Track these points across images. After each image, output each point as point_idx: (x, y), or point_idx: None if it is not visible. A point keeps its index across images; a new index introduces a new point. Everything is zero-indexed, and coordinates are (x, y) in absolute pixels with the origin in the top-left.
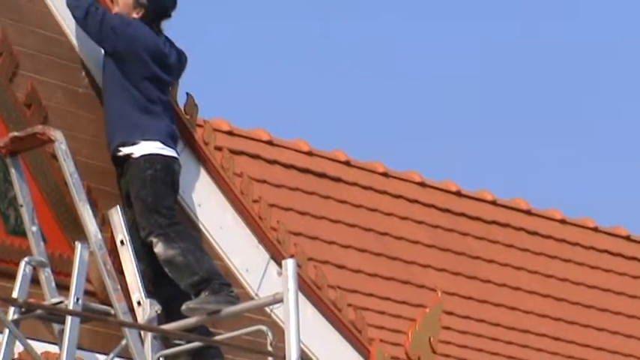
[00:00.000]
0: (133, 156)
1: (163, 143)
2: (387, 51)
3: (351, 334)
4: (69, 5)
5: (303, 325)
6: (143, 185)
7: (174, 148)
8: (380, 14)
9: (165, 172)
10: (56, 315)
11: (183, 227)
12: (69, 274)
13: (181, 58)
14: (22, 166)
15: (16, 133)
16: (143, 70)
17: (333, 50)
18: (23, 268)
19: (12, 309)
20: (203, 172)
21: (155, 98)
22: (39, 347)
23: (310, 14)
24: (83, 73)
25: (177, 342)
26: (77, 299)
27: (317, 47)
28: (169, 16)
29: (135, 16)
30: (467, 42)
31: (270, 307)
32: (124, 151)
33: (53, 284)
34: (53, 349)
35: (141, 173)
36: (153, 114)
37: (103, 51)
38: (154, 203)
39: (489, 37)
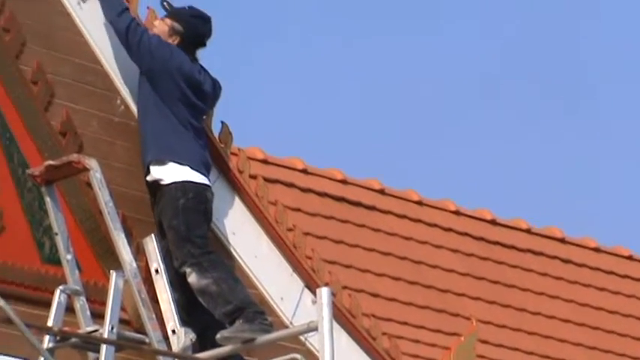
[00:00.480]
0: (164, 182)
1: (194, 169)
2: (420, 80)
3: None
4: (111, 20)
5: (337, 353)
6: (175, 214)
7: (206, 175)
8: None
9: (197, 201)
10: (91, 343)
11: (217, 256)
12: (104, 303)
13: (216, 87)
14: (57, 194)
15: (51, 162)
16: (177, 93)
17: (367, 79)
18: (58, 297)
19: (47, 337)
20: (237, 201)
21: (187, 123)
22: None
23: (343, 42)
24: (118, 102)
25: None
26: (112, 327)
27: (351, 76)
28: (204, 44)
29: (171, 43)
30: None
31: (305, 335)
32: (154, 173)
33: (88, 313)
34: None
35: (173, 202)
36: (185, 138)
37: (138, 72)
38: (187, 232)
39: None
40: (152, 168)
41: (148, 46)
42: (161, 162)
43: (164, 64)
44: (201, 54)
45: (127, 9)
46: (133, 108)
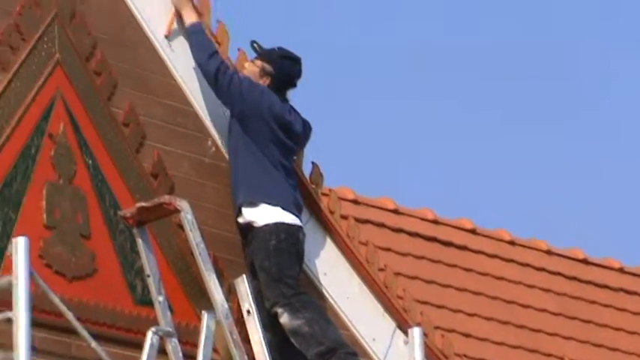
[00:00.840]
0: (256, 225)
1: (286, 210)
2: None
3: None
4: (200, 63)
5: None
6: (267, 256)
7: (297, 215)
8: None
9: (289, 242)
10: None
11: (308, 296)
12: (196, 344)
13: (306, 128)
14: (148, 236)
15: (143, 204)
16: (268, 134)
17: (453, 115)
18: (150, 338)
19: None
20: (329, 241)
21: (278, 164)
22: None
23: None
24: (209, 143)
25: None
26: None
27: (436, 123)
28: (295, 85)
29: (261, 84)
30: None
31: None
32: (246, 215)
33: (180, 354)
34: None
35: (265, 243)
36: (276, 178)
37: (229, 115)
38: (278, 273)
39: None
40: (244, 210)
41: (238, 88)
42: (253, 204)
43: (255, 106)
44: (292, 93)
45: (217, 52)
46: (224, 149)
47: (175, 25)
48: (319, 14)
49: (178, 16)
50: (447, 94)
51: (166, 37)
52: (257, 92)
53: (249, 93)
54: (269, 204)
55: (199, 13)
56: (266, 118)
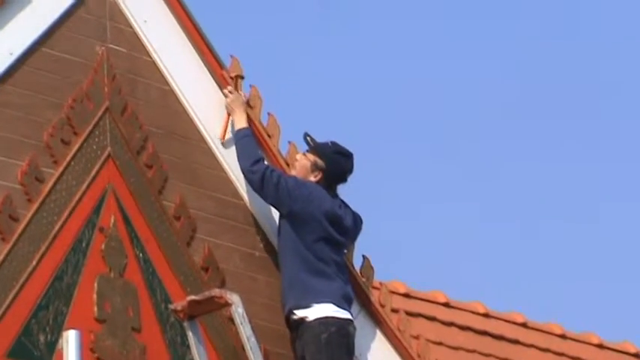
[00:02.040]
0: (307, 320)
1: (337, 305)
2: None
3: None
4: (244, 171)
5: None
6: (318, 349)
7: (348, 309)
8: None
9: (340, 335)
10: None
11: None
12: None
13: (357, 221)
14: (199, 329)
15: (193, 297)
16: (318, 231)
17: (502, 209)
18: None
19: None
20: (380, 335)
21: (329, 259)
22: None
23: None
24: (260, 236)
25: None
26: None
27: (486, 209)
28: (346, 180)
29: (312, 179)
30: None
31: None
32: (298, 314)
33: None
34: None
35: (315, 337)
36: (326, 276)
37: (278, 213)
38: None
39: None
40: (295, 311)
41: (285, 190)
42: (304, 306)
43: (304, 205)
44: (344, 187)
45: (262, 158)
46: (274, 242)
47: (230, 130)
48: (371, 111)
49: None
50: (490, 192)
51: (222, 142)
52: (306, 192)
53: (297, 193)
54: (320, 303)
55: (251, 107)
56: (316, 216)
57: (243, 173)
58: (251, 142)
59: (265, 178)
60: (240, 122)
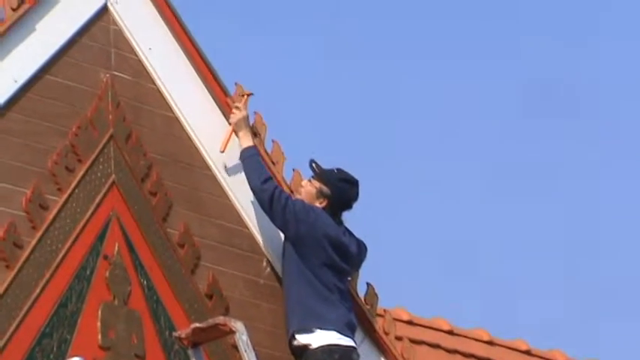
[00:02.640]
0: (311, 347)
1: (340, 333)
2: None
3: None
4: (255, 189)
5: None
6: None
7: (352, 337)
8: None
9: None
10: None
11: None
12: None
13: (361, 249)
14: (203, 357)
15: (197, 325)
16: (322, 257)
17: (510, 234)
18: None
19: None
20: None
21: (333, 286)
22: None
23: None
24: (264, 264)
25: None
26: None
27: (490, 235)
28: (351, 207)
29: (317, 205)
30: None
31: None
32: (301, 340)
33: None
34: None
35: None
36: (330, 302)
37: (282, 238)
38: None
39: None
40: (297, 336)
41: (292, 212)
42: (307, 330)
43: (309, 229)
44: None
45: (271, 177)
46: (279, 270)
47: (231, 142)
48: (374, 130)
49: (236, 136)
50: (495, 211)
51: (221, 152)
52: (312, 216)
53: (303, 217)
54: (323, 329)
55: (256, 134)
56: (321, 241)
57: (254, 191)
58: (259, 160)
59: (274, 198)
60: (247, 141)
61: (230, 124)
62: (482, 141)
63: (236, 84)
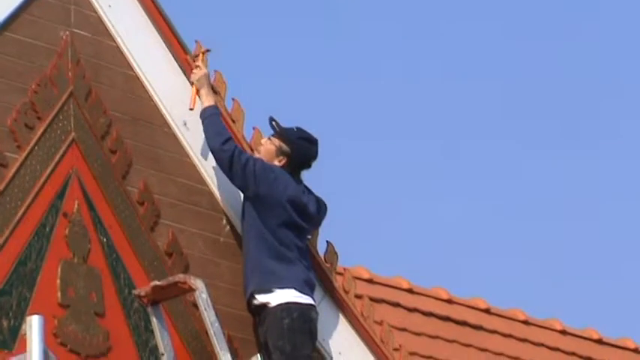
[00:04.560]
0: (270, 305)
1: (299, 291)
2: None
3: None
4: (214, 150)
5: None
6: (281, 335)
7: (310, 295)
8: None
9: (302, 321)
10: None
11: None
12: None
13: (321, 207)
14: (163, 314)
15: (157, 282)
16: (282, 216)
17: (465, 194)
18: None
19: None
20: (343, 321)
21: (292, 245)
22: None
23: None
24: (224, 222)
25: None
26: None
27: (453, 190)
28: (310, 166)
29: (277, 163)
30: None
31: None
32: (260, 299)
33: None
34: None
35: (278, 323)
36: (289, 261)
37: (242, 197)
38: (292, 353)
39: None
40: (257, 295)
41: (252, 171)
42: (266, 290)
43: (269, 189)
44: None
45: (231, 137)
46: (239, 228)
47: (198, 100)
48: (336, 94)
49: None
50: (458, 172)
51: (191, 109)
52: (272, 176)
53: (263, 177)
54: (282, 288)
55: (216, 92)
56: (280, 201)
57: (213, 152)
58: (219, 120)
59: (234, 159)
60: (208, 100)
61: (191, 82)
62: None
63: (196, 41)
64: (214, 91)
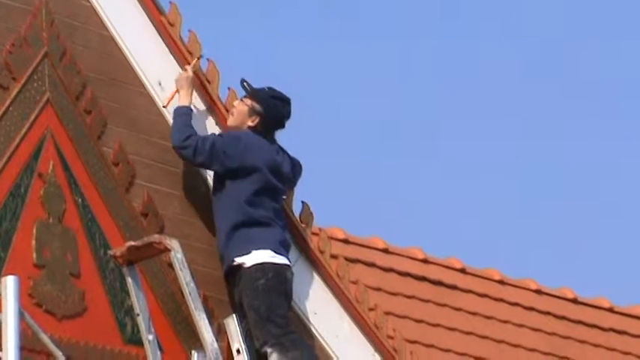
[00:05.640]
0: (245, 265)
1: (275, 251)
2: (492, 159)
3: None
4: (175, 146)
5: None
6: (256, 295)
7: (286, 255)
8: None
9: (277, 281)
10: None
11: (298, 336)
12: None
13: (295, 167)
14: (138, 275)
15: (132, 243)
16: (257, 182)
17: (442, 154)
18: None
19: None
20: (319, 281)
21: (267, 207)
22: None
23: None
24: (199, 182)
25: None
26: None
27: (431, 154)
28: (283, 125)
29: (250, 124)
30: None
31: None
32: (237, 260)
33: None
34: None
35: (253, 283)
36: (264, 224)
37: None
38: (267, 313)
39: None
40: (236, 259)
41: (220, 150)
42: (243, 253)
43: (241, 160)
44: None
45: (194, 134)
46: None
47: (175, 99)
48: (311, 56)
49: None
50: (437, 132)
51: (164, 107)
52: (240, 146)
53: (232, 150)
54: (258, 249)
55: (209, 81)
56: (255, 166)
57: (175, 149)
58: (188, 120)
59: (197, 148)
60: (184, 100)
61: (175, 80)
62: None
63: (190, 31)
64: (207, 80)
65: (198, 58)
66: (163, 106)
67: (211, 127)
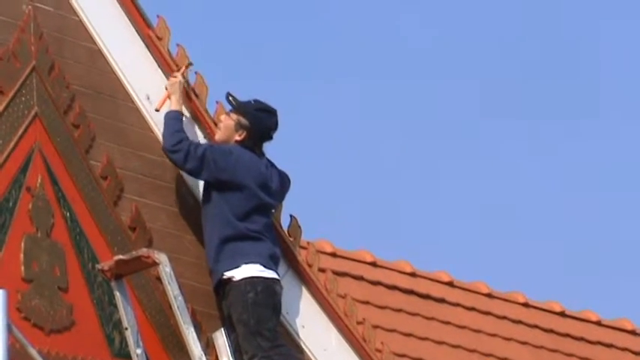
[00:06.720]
0: (234, 279)
1: (264, 265)
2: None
3: None
4: (166, 151)
5: None
6: (245, 309)
7: (275, 269)
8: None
9: (266, 295)
10: None
11: (287, 349)
12: None
13: (284, 181)
14: (126, 289)
15: (120, 257)
16: (247, 197)
17: (432, 169)
18: None
19: None
20: (307, 294)
21: (257, 221)
22: None
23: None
24: (187, 195)
25: None
26: None
27: (416, 167)
28: (271, 137)
29: (237, 138)
30: None
31: None
32: (226, 274)
33: None
34: None
35: (242, 296)
36: (254, 238)
37: (202, 184)
38: (256, 326)
39: None
40: (225, 272)
41: (212, 160)
42: (234, 267)
43: (232, 174)
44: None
45: (185, 138)
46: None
47: (166, 104)
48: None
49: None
50: (423, 147)
51: (156, 110)
52: (232, 159)
53: (223, 162)
54: (247, 263)
55: (196, 95)
56: (245, 182)
57: (166, 153)
58: (178, 124)
59: (189, 154)
60: (175, 105)
61: (165, 86)
62: None
63: (178, 45)
64: (195, 94)
65: (187, 66)
66: (156, 110)
67: (199, 140)
